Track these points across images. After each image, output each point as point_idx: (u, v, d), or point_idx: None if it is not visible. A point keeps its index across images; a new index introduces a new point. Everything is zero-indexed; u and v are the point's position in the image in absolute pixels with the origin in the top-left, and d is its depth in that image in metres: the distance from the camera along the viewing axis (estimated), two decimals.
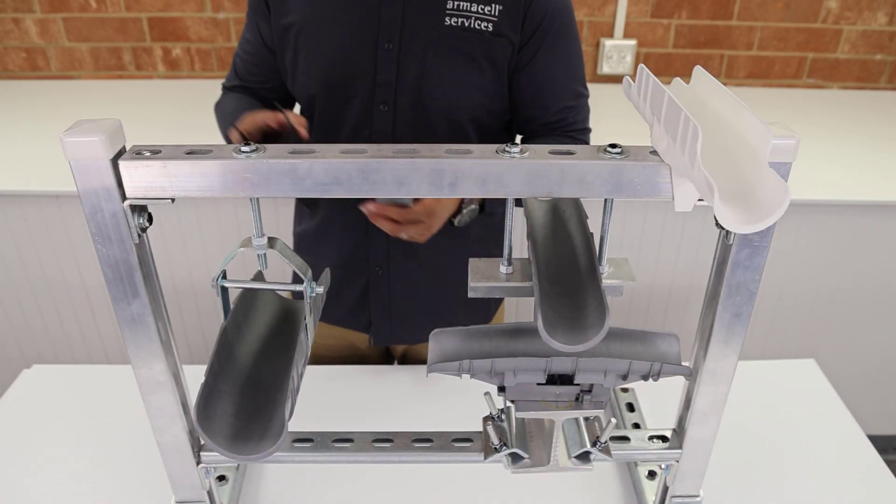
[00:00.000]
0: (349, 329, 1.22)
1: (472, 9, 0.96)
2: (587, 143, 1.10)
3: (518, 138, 1.14)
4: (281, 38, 1.02)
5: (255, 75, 1.11)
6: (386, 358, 1.33)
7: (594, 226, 0.67)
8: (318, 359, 1.27)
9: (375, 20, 0.97)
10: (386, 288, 1.13)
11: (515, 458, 0.73)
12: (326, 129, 1.05)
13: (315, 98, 1.03)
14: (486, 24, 0.97)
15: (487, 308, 1.25)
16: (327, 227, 1.13)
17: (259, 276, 0.72)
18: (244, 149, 0.57)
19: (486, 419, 0.74)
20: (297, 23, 1.00)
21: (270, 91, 1.12)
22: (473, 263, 0.70)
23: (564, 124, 1.07)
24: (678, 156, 0.52)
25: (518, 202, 1.05)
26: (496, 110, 1.04)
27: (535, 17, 0.97)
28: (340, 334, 1.23)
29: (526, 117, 1.07)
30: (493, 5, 0.96)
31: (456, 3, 0.96)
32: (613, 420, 0.72)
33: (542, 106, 1.04)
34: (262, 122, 0.90)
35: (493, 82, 1.00)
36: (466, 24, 0.96)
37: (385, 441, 0.77)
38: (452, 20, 0.96)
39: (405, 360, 1.30)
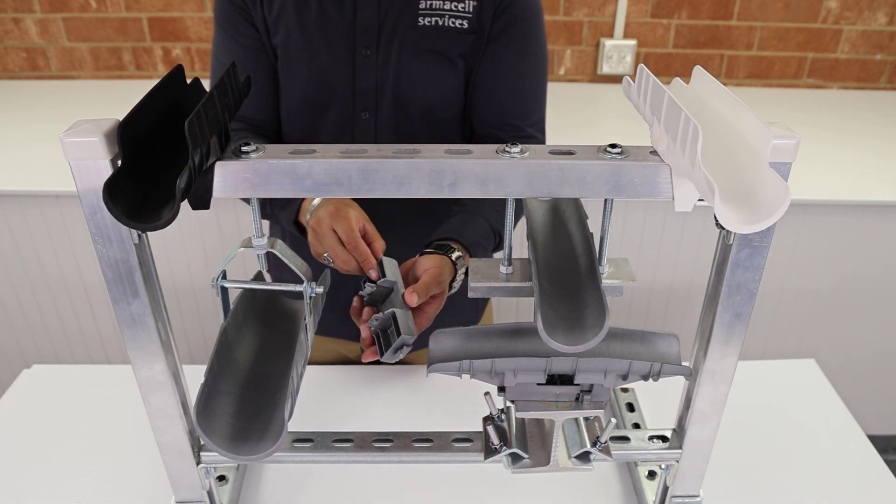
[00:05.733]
0: (342, 339, 1.20)
1: (446, 7, 0.95)
2: None
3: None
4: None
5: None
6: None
7: (594, 226, 0.67)
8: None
9: (352, 30, 0.95)
10: None
11: (515, 458, 0.73)
12: (303, 142, 1.03)
13: (292, 112, 1.01)
14: (460, 22, 0.95)
15: (475, 308, 1.25)
16: None
17: (259, 276, 0.72)
18: (244, 149, 0.57)
19: (486, 419, 0.74)
20: (280, 45, 0.98)
21: (259, 110, 1.04)
22: (474, 263, 0.70)
23: (508, 136, 1.02)
24: (678, 156, 0.52)
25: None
26: None
27: (506, 13, 0.96)
28: (331, 347, 1.21)
29: (480, 121, 1.02)
30: (468, 1, 0.95)
31: (429, 2, 0.95)
32: (613, 420, 0.72)
33: (499, 108, 1.01)
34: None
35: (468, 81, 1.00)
36: (440, 23, 0.95)
37: (385, 441, 0.77)
38: (426, 20, 0.95)
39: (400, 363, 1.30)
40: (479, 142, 1.06)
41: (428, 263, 0.88)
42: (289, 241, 1.08)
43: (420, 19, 0.95)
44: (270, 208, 0.99)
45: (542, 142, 1.06)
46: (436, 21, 0.95)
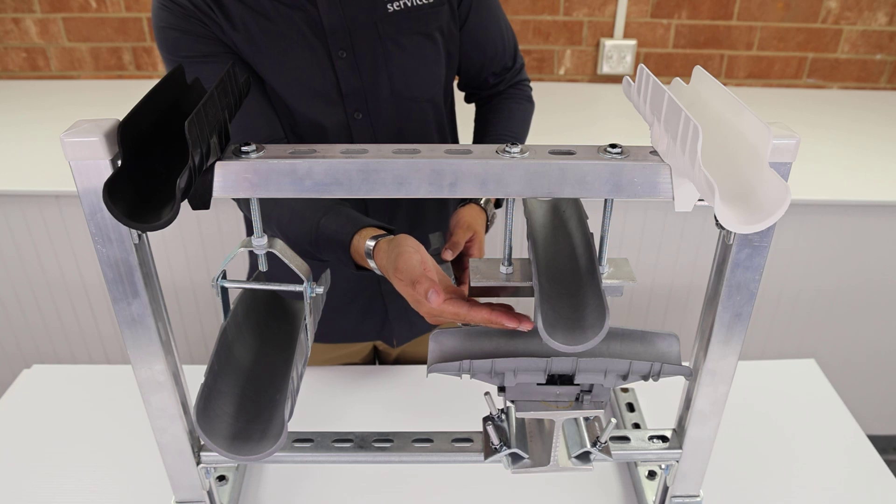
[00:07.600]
0: (357, 342, 1.19)
1: None
2: (532, 99, 1.17)
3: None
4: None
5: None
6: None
7: (594, 226, 0.67)
8: None
9: (322, 36, 0.93)
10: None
11: (515, 458, 0.73)
12: None
13: (287, 133, 0.98)
14: None
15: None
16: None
17: (259, 276, 0.72)
18: (244, 149, 0.57)
19: (486, 419, 0.74)
20: (255, 66, 0.94)
21: (266, 125, 1.01)
22: (474, 263, 0.70)
23: (511, 76, 1.13)
24: (678, 156, 0.52)
25: None
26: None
27: None
28: (336, 356, 1.21)
29: (472, 73, 1.10)
30: None
31: None
32: (613, 420, 0.72)
33: (485, 57, 1.09)
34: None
35: (449, 50, 1.02)
36: (409, 4, 0.96)
37: (385, 441, 0.77)
38: (395, 5, 0.95)
39: (398, 363, 1.30)
40: (477, 91, 1.15)
41: (455, 217, 0.98)
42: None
43: (388, 6, 0.95)
44: (315, 249, 0.90)
45: (523, 64, 1.17)
46: (404, 3, 0.95)
